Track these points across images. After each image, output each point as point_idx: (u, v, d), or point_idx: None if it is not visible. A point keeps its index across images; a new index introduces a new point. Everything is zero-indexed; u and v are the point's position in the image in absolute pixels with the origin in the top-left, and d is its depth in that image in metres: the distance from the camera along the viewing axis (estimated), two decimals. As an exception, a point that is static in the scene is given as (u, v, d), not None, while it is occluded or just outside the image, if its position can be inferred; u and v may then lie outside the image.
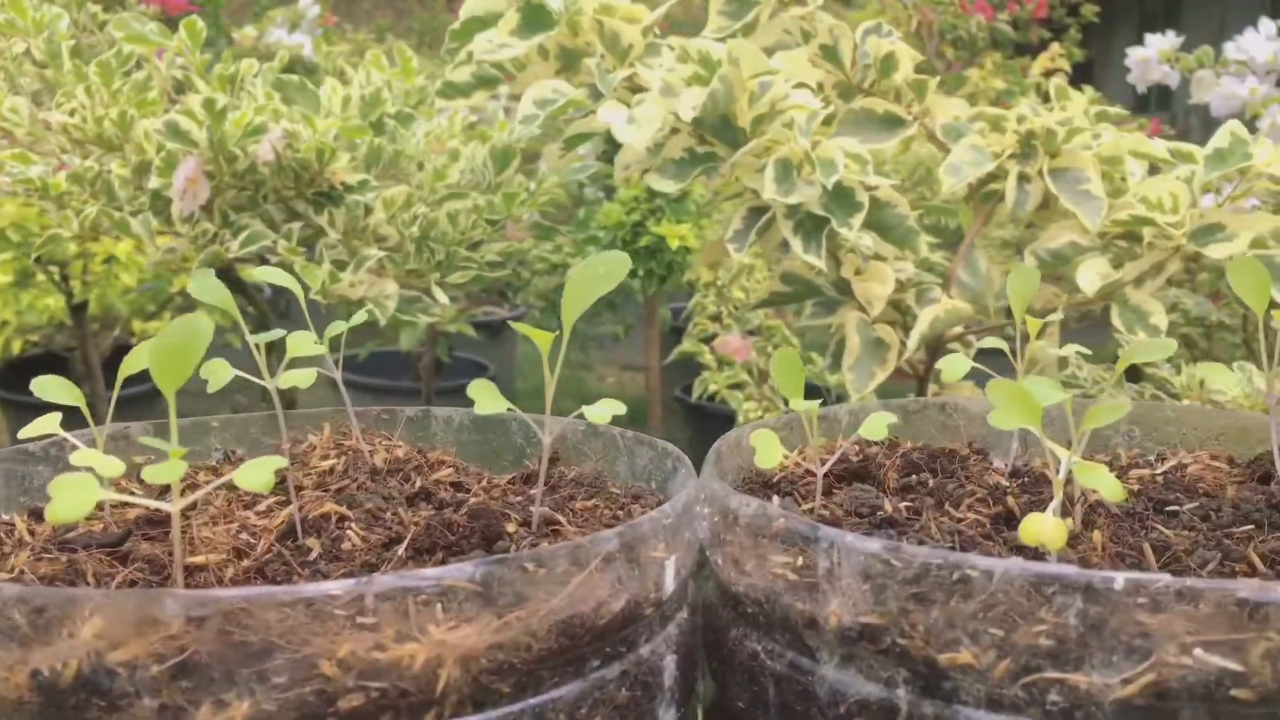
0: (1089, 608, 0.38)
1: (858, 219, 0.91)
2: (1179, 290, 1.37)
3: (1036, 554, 0.47)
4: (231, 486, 0.50)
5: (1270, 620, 0.37)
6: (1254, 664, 0.37)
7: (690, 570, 0.51)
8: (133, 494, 0.49)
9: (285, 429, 0.55)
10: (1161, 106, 5.72)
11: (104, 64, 1.10)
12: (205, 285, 0.47)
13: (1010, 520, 0.52)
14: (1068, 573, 0.39)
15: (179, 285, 1.83)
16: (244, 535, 0.51)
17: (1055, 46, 2.38)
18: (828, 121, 1.02)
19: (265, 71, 1.15)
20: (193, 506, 0.52)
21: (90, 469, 0.40)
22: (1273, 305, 0.70)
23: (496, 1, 1.00)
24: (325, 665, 0.39)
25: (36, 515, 0.54)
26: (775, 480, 0.60)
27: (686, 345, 1.79)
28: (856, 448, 0.63)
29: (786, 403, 0.62)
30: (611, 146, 1.01)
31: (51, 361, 2.16)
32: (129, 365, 0.49)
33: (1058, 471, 0.46)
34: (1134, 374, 1.31)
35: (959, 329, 1.05)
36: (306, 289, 1.06)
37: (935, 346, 1.08)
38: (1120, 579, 0.39)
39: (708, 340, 1.76)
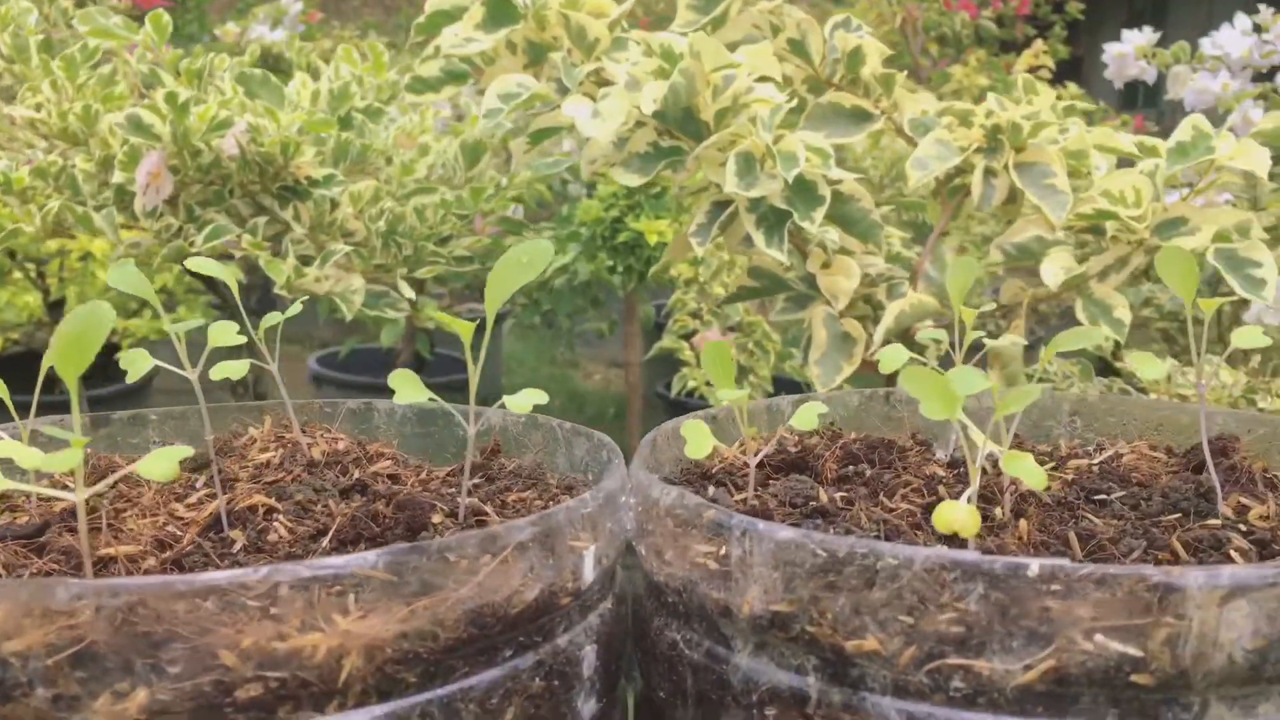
0: (991, 594, 0.38)
1: (819, 213, 0.91)
2: (1153, 285, 1.36)
3: (961, 543, 0.47)
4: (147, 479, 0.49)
5: (1171, 606, 0.37)
6: (1153, 649, 0.37)
7: (615, 560, 0.51)
8: (49, 487, 0.49)
9: (209, 421, 0.54)
10: (1149, 103, 5.71)
11: (68, 58, 1.09)
12: (123, 275, 0.47)
13: (940, 510, 0.52)
14: (968, 559, 0.38)
15: (159, 284, 1.83)
16: (170, 528, 0.51)
17: (1039, 43, 2.37)
18: (797, 115, 1.02)
19: (233, 66, 1.14)
20: (101, 496, 0.52)
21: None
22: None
23: (462, -5, 0.99)
24: (225, 655, 0.39)
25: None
26: (713, 471, 0.60)
27: (666, 341, 1.78)
28: (796, 439, 0.63)
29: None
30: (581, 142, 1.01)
31: (31, 360, 2.15)
32: (47, 361, 0.48)
33: (974, 460, 0.46)
34: (1107, 368, 1.31)
35: (928, 323, 1.05)
36: (271, 284, 1.06)
37: (905, 340, 1.07)
38: (1035, 565, 0.38)
39: (688, 336, 1.75)
